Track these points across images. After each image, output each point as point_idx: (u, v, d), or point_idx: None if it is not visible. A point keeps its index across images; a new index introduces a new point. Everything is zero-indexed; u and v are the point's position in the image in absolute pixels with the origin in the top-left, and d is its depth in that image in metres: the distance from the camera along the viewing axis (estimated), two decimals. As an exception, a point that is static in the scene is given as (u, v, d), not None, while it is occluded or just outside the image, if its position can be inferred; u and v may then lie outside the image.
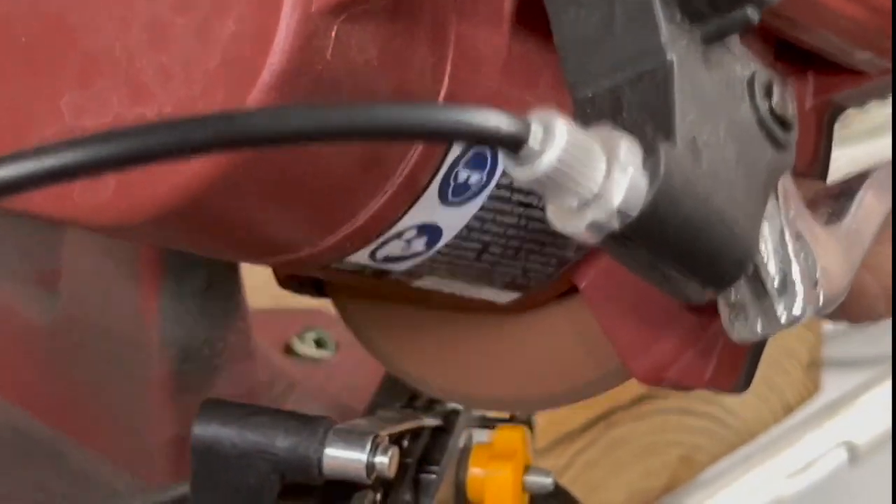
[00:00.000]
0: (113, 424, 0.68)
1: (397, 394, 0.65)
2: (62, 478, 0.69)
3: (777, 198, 0.41)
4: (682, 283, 0.38)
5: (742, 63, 0.40)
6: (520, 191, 0.47)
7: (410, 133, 0.32)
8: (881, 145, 1.10)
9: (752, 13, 0.39)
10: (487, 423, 0.66)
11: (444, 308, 0.57)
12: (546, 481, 0.62)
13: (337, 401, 0.78)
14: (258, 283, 1.02)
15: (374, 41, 0.41)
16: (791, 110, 0.41)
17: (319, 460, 0.54)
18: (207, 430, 0.54)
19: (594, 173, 0.34)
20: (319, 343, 0.83)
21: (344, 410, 0.77)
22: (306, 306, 0.90)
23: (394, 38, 0.41)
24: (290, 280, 0.61)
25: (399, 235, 0.46)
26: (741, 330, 0.42)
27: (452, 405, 0.66)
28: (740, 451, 1.21)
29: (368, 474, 0.53)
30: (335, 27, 0.39)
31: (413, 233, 0.46)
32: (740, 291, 0.41)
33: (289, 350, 0.82)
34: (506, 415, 0.68)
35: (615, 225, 0.35)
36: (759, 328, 0.41)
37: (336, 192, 0.44)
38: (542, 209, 0.48)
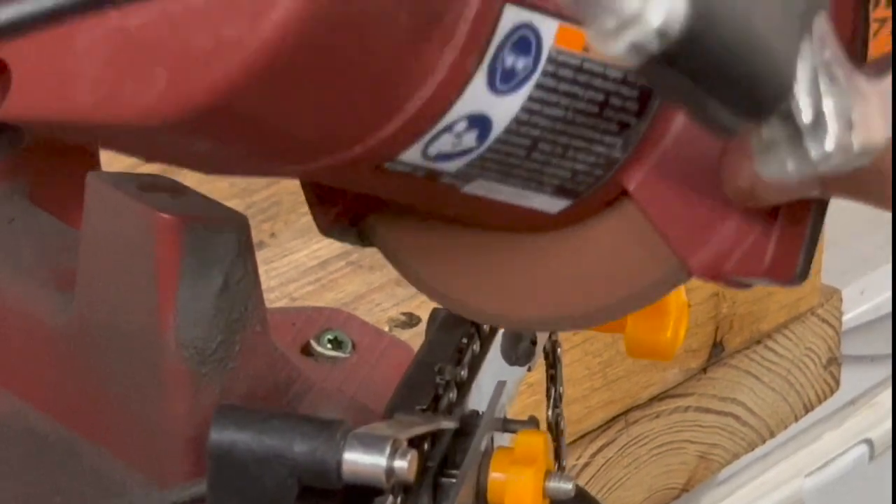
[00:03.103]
0: (128, 425, 0.68)
1: (416, 396, 0.65)
2: (77, 478, 0.68)
3: (813, 37, 0.41)
4: (720, 111, 0.39)
5: None
6: (565, 80, 0.48)
7: None
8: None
9: None
10: (508, 427, 0.66)
11: (493, 229, 0.56)
12: (567, 487, 0.62)
13: (354, 401, 0.77)
14: (275, 284, 1.02)
15: None
16: None
17: (338, 465, 0.53)
18: (224, 436, 0.54)
19: None
20: (337, 343, 0.82)
21: (361, 411, 0.76)
22: (323, 307, 0.90)
23: None
24: (334, 225, 0.58)
25: (450, 128, 0.46)
26: (771, 167, 0.42)
27: (472, 408, 0.66)
28: (759, 449, 1.20)
29: (387, 479, 0.53)
30: None
31: (464, 125, 0.46)
32: (772, 128, 0.42)
33: (306, 350, 0.82)
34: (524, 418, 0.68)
35: (655, 45, 0.35)
36: (789, 166, 0.42)
37: (387, 74, 0.43)
38: (588, 101, 0.49)
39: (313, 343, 0.82)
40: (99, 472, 0.68)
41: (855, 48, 0.55)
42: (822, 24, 0.42)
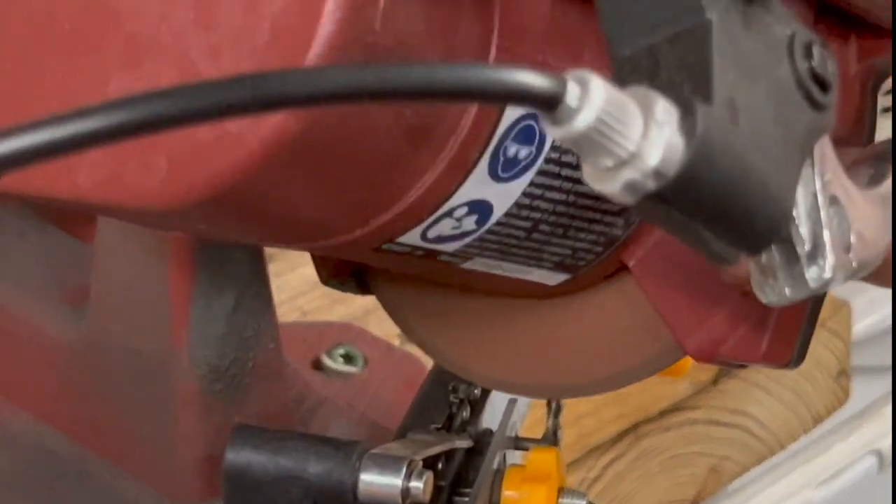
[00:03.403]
0: (141, 443, 0.68)
1: (430, 415, 0.65)
2: (89, 496, 0.68)
3: (813, 161, 0.41)
4: (716, 244, 0.38)
5: (782, 23, 0.40)
6: (568, 165, 0.48)
7: (445, 92, 0.32)
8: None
9: None
10: (520, 445, 0.66)
11: (492, 295, 0.56)
12: None
13: (365, 417, 0.77)
14: (286, 298, 1.02)
15: (421, 12, 0.40)
16: (831, 71, 0.40)
17: (354, 486, 0.53)
18: (240, 456, 0.54)
19: (631, 132, 0.34)
20: (348, 359, 0.82)
21: (372, 427, 0.76)
22: (335, 321, 0.90)
23: (440, 8, 0.41)
24: (333, 276, 0.60)
25: (450, 213, 0.46)
26: (770, 293, 0.41)
27: (485, 426, 0.65)
28: (769, 461, 1.20)
29: (404, 500, 0.53)
30: None
31: (464, 210, 0.46)
32: (771, 254, 0.41)
33: (317, 365, 0.82)
34: (538, 435, 0.67)
35: (651, 185, 0.34)
36: (788, 292, 0.41)
37: (387, 168, 0.43)
38: None
39: (325, 358, 0.82)
40: (111, 491, 0.68)
41: (861, 128, 0.55)
42: (822, 148, 0.41)
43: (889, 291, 0.52)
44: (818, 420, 1.20)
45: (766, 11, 0.40)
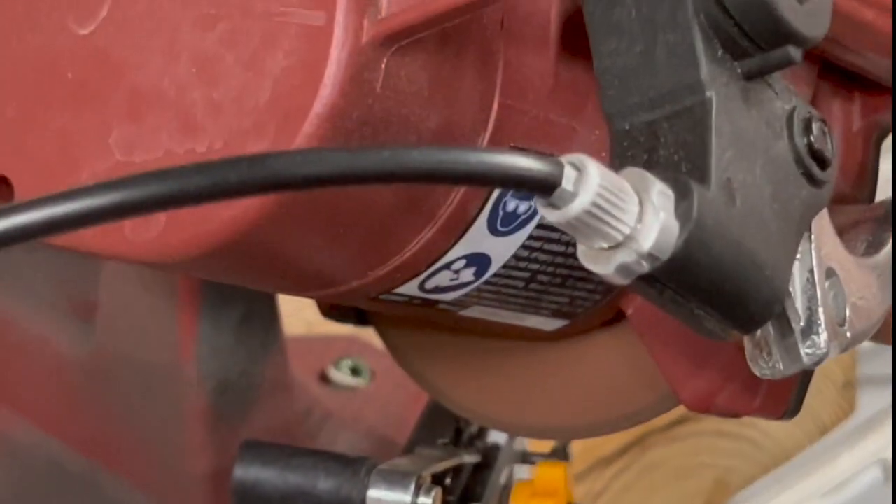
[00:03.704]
0: (148, 456, 0.68)
1: (437, 430, 0.65)
2: (97, 510, 0.68)
3: (810, 234, 0.41)
4: (710, 322, 0.38)
5: (783, 99, 0.40)
6: None
7: (443, 177, 0.32)
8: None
9: (795, 52, 0.38)
10: (528, 460, 0.65)
11: (490, 336, 0.57)
12: (588, 519, 0.62)
13: (373, 430, 0.77)
14: (292, 310, 1.01)
15: (424, 71, 0.40)
16: (830, 147, 0.40)
17: (363, 502, 0.53)
18: (249, 473, 0.54)
19: (626, 216, 0.34)
20: (355, 371, 0.82)
21: (380, 440, 0.76)
22: (341, 334, 0.90)
23: (443, 67, 0.41)
24: (333, 309, 0.60)
25: (448, 266, 0.46)
26: (764, 367, 0.41)
27: (493, 441, 0.65)
28: (774, 473, 1.20)
29: (411, 516, 0.53)
30: (385, 59, 0.39)
31: (462, 263, 0.46)
32: (765, 328, 0.41)
33: (324, 378, 0.82)
34: (546, 449, 0.67)
35: (645, 268, 0.35)
36: (781, 366, 0.41)
37: (383, 227, 0.43)
38: None
39: (332, 371, 0.82)
40: (118, 503, 0.68)
41: (863, 183, 0.55)
42: (820, 220, 0.41)
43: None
44: (824, 431, 1.20)
45: (767, 87, 0.39)
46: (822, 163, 0.40)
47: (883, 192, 0.54)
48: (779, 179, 0.39)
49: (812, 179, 0.40)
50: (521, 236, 0.47)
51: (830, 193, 0.41)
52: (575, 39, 0.44)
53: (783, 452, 1.18)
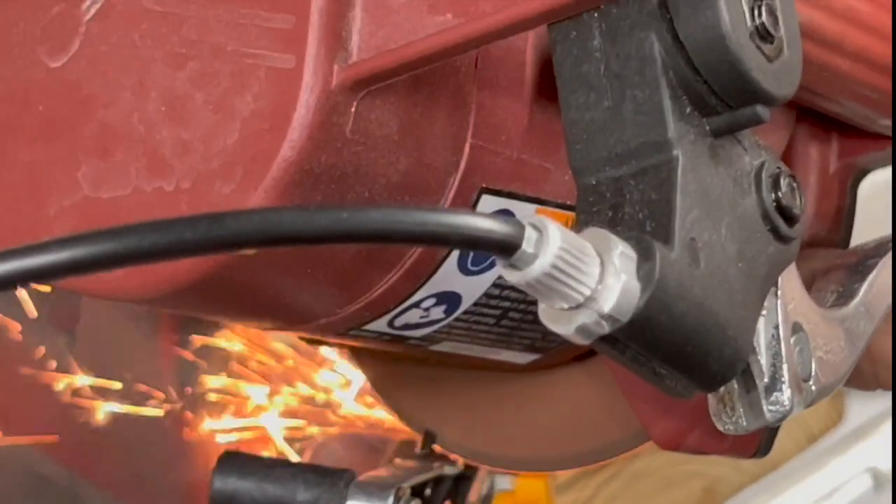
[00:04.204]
0: (131, 468, 0.67)
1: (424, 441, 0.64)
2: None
3: (777, 289, 0.40)
4: (672, 380, 0.38)
5: (751, 154, 0.40)
6: None
7: (402, 238, 0.32)
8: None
9: (763, 112, 0.38)
10: (510, 471, 0.65)
11: (462, 367, 0.57)
12: (570, 532, 0.62)
13: (359, 437, 0.77)
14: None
15: (394, 115, 0.40)
16: (799, 203, 0.40)
17: (341, 513, 0.53)
18: (227, 483, 0.53)
19: (586, 278, 0.34)
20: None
21: (365, 448, 0.76)
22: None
23: (414, 111, 0.41)
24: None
25: (417, 304, 0.46)
26: (727, 422, 0.41)
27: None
28: (763, 481, 1.20)
29: (391, 527, 0.53)
30: (355, 103, 0.39)
31: (432, 301, 0.46)
32: (729, 384, 0.41)
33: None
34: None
35: (605, 329, 0.35)
36: (745, 422, 0.41)
37: (348, 272, 0.43)
38: None
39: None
40: (101, 514, 0.68)
41: (838, 227, 0.55)
42: (787, 276, 0.41)
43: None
44: (812, 439, 1.19)
45: (735, 142, 0.39)
46: (790, 219, 0.40)
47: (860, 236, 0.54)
48: (745, 237, 0.39)
49: (779, 236, 0.40)
50: (491, 275, 0.47)
51: (798, 249, 0.40)
52: (551, 82, 0.43)
53: (771, 461, 1.17)
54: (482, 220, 0.32)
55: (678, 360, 0.37)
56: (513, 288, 0.47)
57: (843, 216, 0.55)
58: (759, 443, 0.51)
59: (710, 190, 0.38)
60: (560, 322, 0.35)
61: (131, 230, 0.30)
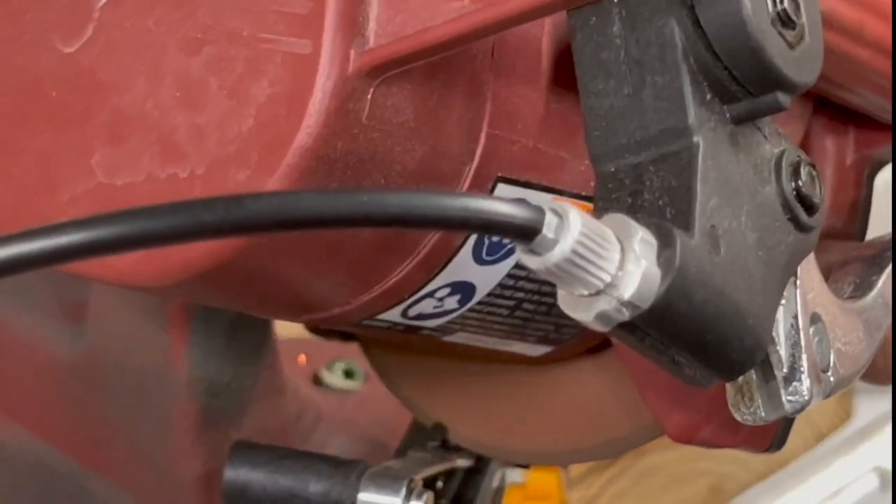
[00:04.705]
0: (138, 460, 0.67)
1: (429, 432, 0.64)
2: (86, 512, 0.68)
3: (796, 279, 0.40)
4: (691, 368, 0.38)
5: (771, 142, 0.39)
6: None
7: (421, 222, 0.32)
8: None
9: (784, 99, 0.38)
10: (521, 464, 0.65)
11: (474, 359, 0.56)
12: (581, 524, 0.61)
13: (365, 434, 0.77)
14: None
15: (410, 102, 0.40)
16: (818, 192, 0.40)
17: (353, 505, 0.53)
18: (238, 474, 0.53)
19: (607, 264, 0.34)
20: (348, 374, 0.82)
21: (373, 444, 0.76)
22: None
23: (430, 98, 0.41)
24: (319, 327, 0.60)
25: (431, 294, 0.46)
26: (745, 412, 0.41)
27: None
28: (770, 479, 1.20)
29: (403, 519, 0.52)
30: (372, 90, 0.39)
31: (446, 291, 0.46)
32: (747, 374, 0.40)
33: (317, 381, 0.81)
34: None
35: (625, 315, 0.34)
36: (763, 413, 0.41)
37: (364, 259, 0.43)
38: None
39: (324, 373, 0.82)
40: (108, 507, 0.68)
41: (854, 219, 0.54)
42: (806, 266, 0.41)
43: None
44: (820, 438, 1.19)
45: (755, 130, 0.39)
46: (810, 208, 0.40)
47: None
48: (765, 226, 0.38)
49: (799, 225, 0.39)
50: (506, 265, 0.46)
51: (817, 238, 0.40)
52: (567, 71, 0.43)
53: (779, 459, 1.17)
54: (503, 205, 0.32)
55: (698, 349, 0.36)
56: (527, 278, 0.47)
57: (859, 209, 0.55)
58: (774, 436, 0.51)
59: (731, 177, 0.37)
60: (579, 309, 0.34)
61: (149, 212, 0.30)
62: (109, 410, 0.67)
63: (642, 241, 0.34)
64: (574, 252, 0.33)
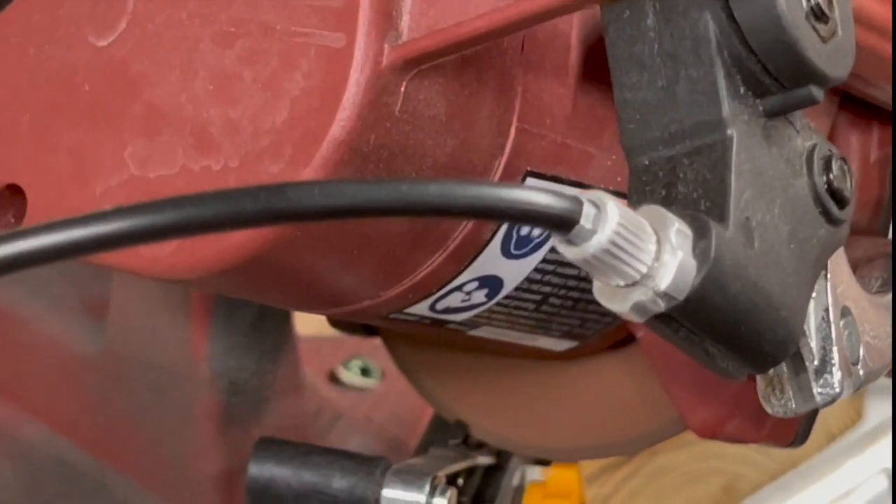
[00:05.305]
0: (159, 456, 0.67)
1: (449, 430, 0.64)
2: (107, 509, 0.68)
3: (826, 273, 0.40)
4: (723, 360, 0.38)
5: (803, 136, 0.40)
6: None
7: (459, 212, 0.32)
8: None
9: (817, 92, 0.38)
10: (541, 461, 0.65)
11: (498, 354, 0.56)
12: (602, 522, 0.61)
13: (383, 431, 0.77)
14: (303, 311, 1.01)
15: (442, 96, 0.40)
16: (849, 185, 0.40)
17: (377, 502, 0.53)
18: (263, 471, 0.53)
19: (643, 255, 0.34)
20: (365, 371, 0.82)
21: (390, 441, 0.76)
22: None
23: (461, 92, 0.41)
24: (342, 320, 0.60)
25: (460, 288, 0.46)
26: (776, 405, 0.41)
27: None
28: (782, 480, 1.20)
29: (426, 516, 0.53)
30: (404, 83, 0.39)
31: (474, 285, 0.46)
32: (778, 366, 0.41)
33: (334, 378, 0.81)
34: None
35: (661, 307, 0.34)
36: (794, 405, 0.41)
37: (395, 251, 0.43)
38: None
39: (341, 371, 0.82)
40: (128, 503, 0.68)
41: (879, 215, 0.55)
42: (836, 260, 0.41)
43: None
44: (831, 438, 1.19)
45: (788, 124, 0.39)
46: (841, 201, 0.40)
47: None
48: (797, 218, 0.38)
49: (830, 218, 0.40)
50: (534, 259, 0.47)
51: (847, 232, 0.41)
52: (595, 66, 0.43)
53: (791, 459, 1.17)
54: (541, 195, 0.32)
55: (731, 340, 0.37)
56: (554, 273, 0.47)
57: (884, 205, 0.55)
58: (798, 431, 0.51)
59: (764, 170, 0.38)
60: (615, 299, 0.34)
61: (192, 200, 0.30)
62: (130, 407, 0.67)
63: (678, 231, 0.34)
64: (612, 242, 0.33)
